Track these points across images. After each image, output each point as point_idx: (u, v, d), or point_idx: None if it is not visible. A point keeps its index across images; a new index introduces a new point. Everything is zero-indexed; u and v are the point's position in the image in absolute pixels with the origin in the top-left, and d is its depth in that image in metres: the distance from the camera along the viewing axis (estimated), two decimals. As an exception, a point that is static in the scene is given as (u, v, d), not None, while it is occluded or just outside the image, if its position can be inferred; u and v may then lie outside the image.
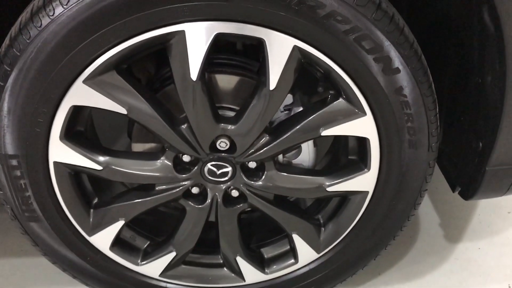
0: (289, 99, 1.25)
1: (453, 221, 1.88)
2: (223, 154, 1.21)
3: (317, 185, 1.27)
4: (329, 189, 1.27)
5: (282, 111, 1.25)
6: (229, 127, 1.16)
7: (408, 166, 1.23)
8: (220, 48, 1.28)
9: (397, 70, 1.08)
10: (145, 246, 1.40)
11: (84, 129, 1.20)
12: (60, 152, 1.16)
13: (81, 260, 1.34)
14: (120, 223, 1.29)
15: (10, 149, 1.13)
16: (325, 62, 1.08)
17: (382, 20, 1.03)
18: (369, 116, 1.16)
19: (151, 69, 1.40)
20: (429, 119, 1.17)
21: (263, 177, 1.25)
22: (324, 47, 1.05)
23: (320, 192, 1.28)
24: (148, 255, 1.39)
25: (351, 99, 1.14)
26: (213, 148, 1.20)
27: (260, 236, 1.49)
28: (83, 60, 1.04)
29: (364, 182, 1.27)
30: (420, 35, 1.40)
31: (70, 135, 1.16)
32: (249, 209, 1.32)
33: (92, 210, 1.29)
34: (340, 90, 1.14)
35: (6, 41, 1.06)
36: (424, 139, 1.19)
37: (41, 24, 1.00)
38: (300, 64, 1.10)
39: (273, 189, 1.27)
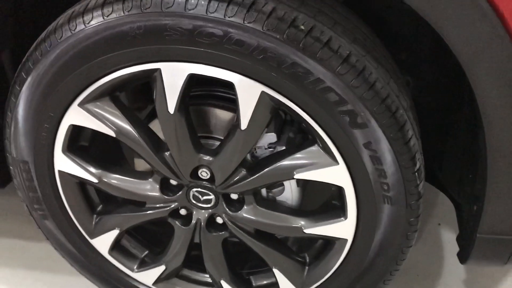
0: (273, 137, 1.27)
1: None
2: (204, 182, 1.28)
3: (294, 225, 1.28)
4: (306, 230, 1.27)
5: (266, 148, 1.28)
6: (209, 158, 1.22)
7: (385, 221, 1.19)
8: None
9: (364, 125, 1.06)
10: (143, 255, 1.52)
11: (88, 144, 1.34)
12: (63, 162, 1.31)
13: (83, 259, 1.49)
14: (115, 232, 1.42)
15: (22, 154, 1.31)
16: (293, 110, 1.09)
17: (348, 74, 1.02)
18: (341, 165, 1.14)
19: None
20: (405, 176, 1.12)
21: (242, 209, 1.29)
22: (290, 95, 1.07)
23: (297, 232, 1.28)
24: (144, 264, 1.50)
25: (324, 146, 1.14)
26: (195, 175, 1.27)
27: (253, 263, 1.52)
28: (76, 87, 1.17)
29: (341, 229, 1.25)
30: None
31: (73, 149, 1.30)
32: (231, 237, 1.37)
33: (95, 216, 1.43)
34: (315, 137, 1.14)
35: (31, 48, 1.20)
36: (400, 196, 1.14)
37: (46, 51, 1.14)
38: (274, 108, 1.12)
39: (250, 222, 1.30)
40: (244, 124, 1.13)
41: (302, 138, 1.28)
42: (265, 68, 1.04)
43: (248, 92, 1.09)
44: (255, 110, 1.11)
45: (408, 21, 1.33)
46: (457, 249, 1.34)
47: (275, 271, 1.38)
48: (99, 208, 1.44)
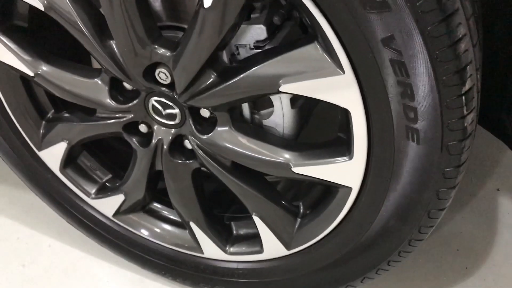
0: (262, 32, 0.89)
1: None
2: (164, 89, 0.93)
3: (279, 160, 0.91)
4: (296, 169, 0.91)
5: (251, 49, 0.90)
6: (165, 53, 0.86)
7: (407, 167, 0.80)
8: None
9: (384, 5, 0.65)
10: (105, 179, 1.22)
11: (27, 25, 1.02)
12: (-9, 46, 1.00)
13: (32, 174, 1.22)
14: (63, 145, 1.12)
15: None
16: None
17: None
18: (348, 75, 0.75)
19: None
20: (444, 100, 0.71)
21: (213, 131, 0.94)
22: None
23: (284, 170, 0.92)
24: (104, 190, 1.21)
25: (327, 45, 0.75)
26: (152, 78, 0.92)
27: (241, 206, 1.19)
28: None
29: (344, 172, 0.87)
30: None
31: (4, 29, 0.99)
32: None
33: (44, 123, 1.14)
34: (315, 30, 0.75)
35: None
36: (433, 131, 0.74)
37: None
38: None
39: (223, 150, 0.95)
40: (208, -1, 0.76)
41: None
42: None
43: None
44: (223, -24, 0.73)
45: None
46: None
47: (256, 219, 1.04)
48: (49, 114, 1.14)
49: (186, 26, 0.92)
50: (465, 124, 0.74)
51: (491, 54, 1.01)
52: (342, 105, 0.79)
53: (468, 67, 0.70)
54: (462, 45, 0.69)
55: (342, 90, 0.77)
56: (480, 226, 1.43)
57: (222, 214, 1.18)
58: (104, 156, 1.23)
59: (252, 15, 0.86)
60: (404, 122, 0.75)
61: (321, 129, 1.16)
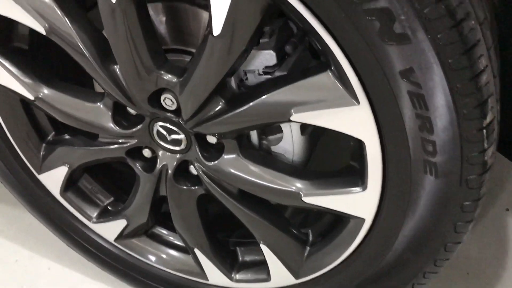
0: (271, 57, 0.86)
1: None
2: (169, 114, 0.90)
3: (289, 189, 0.88)
4: (306, 199, 0.87)
5: (260, 74, 0.87)
6: (171, 79, 0.83)
7: (423, 200, 0.77)
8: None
9: (404, 38, 0.62)
10: (107, 203, 1.19)
11: (28, 47, 0.99)
12: (-10, 68, 0.97)
13: (31, 197, 1.19)
14: (64, 169, 1.09)
15: None
16: (292, 6, 0.67)
17: None
18: (363, 106, 0.72)
19: None
20: (464, 134, 0.68)
21: (220, 158, 0.91)
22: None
23: (294, 199, 0.89)
24: (106, 213, 1.18)
25: (341, 74, 0.72)
26: (157, 104, 0.89)
27: (244, 230, 1.15)
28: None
29: (357, 204, 0.84)
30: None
31: (4, 51, 0.96)
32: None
33: (44, 146, 1.11)
34: (328, 58, 0.72)
35: None
36: (452, 165, 0.71)
37: None
38: (268, 5, 0.71)
39: (230, 178, 0.92)
40: (217, 27, 0.73)
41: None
42: None
43: (222, -28, 0.68)
44: (234, 3, 0.70)
45: None
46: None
47: (263, 247, 1.01)
48: (49, 137, 1.11)
49: (191, 49, 0.90)
50: (485, 158, 0.71)
51: (504, 75, 0.98)
52: (356, 136, 0.76)
53: (489, 99, 0.67)
54: (483, 78, 0.66)
55: (356, 121, 0.74)
56: (490, 248, 1.40)
57: (227, 239, 1.15)
58: (106, 179, 1.20)
59: (261, 40, 0.84)
60: (422, 156, 0.72)
61: (329, 154, 1.13)
